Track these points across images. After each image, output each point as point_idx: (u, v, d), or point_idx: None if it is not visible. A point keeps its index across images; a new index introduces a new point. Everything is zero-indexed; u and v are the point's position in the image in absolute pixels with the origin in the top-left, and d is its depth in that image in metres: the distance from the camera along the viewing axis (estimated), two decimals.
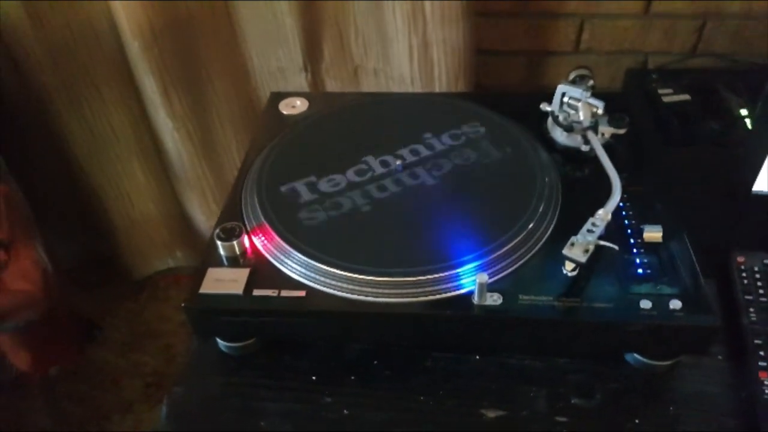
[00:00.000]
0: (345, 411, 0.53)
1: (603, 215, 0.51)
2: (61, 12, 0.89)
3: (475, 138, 0.64)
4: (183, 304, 0.52)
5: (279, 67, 0.97)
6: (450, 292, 0.50)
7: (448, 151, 0.62)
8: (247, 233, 0.55)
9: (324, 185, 0.59)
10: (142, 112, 1.00)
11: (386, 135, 0.64)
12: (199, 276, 0.53)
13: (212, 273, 0.53)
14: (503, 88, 1.08)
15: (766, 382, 0.50)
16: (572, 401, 0.52)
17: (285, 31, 0.92)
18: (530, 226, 0.54)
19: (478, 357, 0.55)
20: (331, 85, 1.00)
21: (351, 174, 0.60)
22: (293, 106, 0.70)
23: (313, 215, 0.56)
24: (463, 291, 0.50)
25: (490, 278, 0.50)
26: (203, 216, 1.10)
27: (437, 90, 0.94)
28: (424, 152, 0.62)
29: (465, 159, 0.61)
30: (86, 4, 0.89)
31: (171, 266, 1.24)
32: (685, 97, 0.89)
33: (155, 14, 0.86)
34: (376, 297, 0.50)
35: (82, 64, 0.94)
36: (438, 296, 0.50)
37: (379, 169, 0.60)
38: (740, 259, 0.60)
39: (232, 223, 0.55)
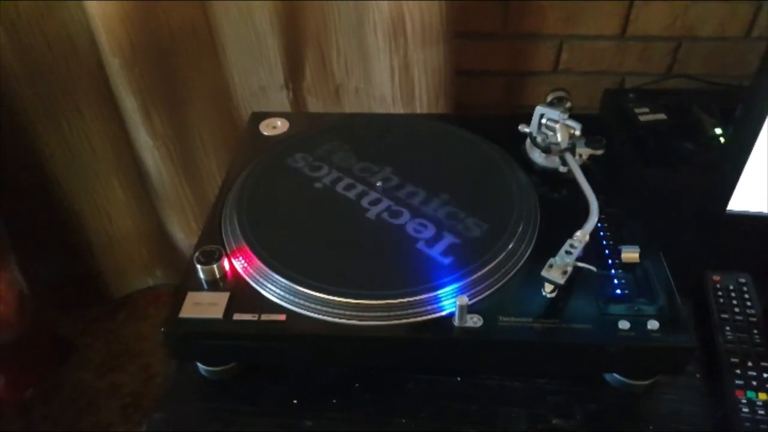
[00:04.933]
0: None
1: (581, 236, 0.52)
2: (39, 27, 0.88)
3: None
4: (162, 329, 0.51)
5: (260, 86, 0.97)
6: (431, 314, 0.50)
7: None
8: (227, 256, 0.54)
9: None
10: (123, 130, 0.99)
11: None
12: (178, 300, 0.52)
13: (192, 297, 0.52)
14: (483, 108, 1.09)
15: (742, 401, 0.51)
16: (553, 422, 0.52)
17: (267, 51, 0.93)
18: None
19: (459, 378, 0.56)
20: (313, 104, 1.00)
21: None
22: (274, 127, 0.70)
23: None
24: (443, 313, 0.50)
25: (470, 300, 0.50)
26: (183, 234, 1.09)
27: (418, 110, 0.94)
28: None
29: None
30: (66, 20, 0.88)
31: (150, 285, 1.22)
32: (662, 116, 0.91)
33: (135, 32, 0.85)
34: (357, 320, 0.50)
35: (61, 80, 0.93)
36: (419, 318, 0.50)
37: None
38: (716, 278, 0.61)
39: (211, 246, 0.54)
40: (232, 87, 0.99)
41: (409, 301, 0.50)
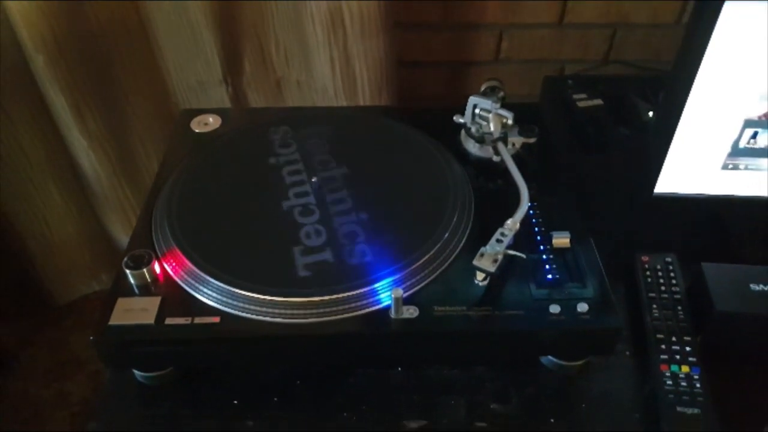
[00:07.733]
0: None
1: (511, 225, 0.53)
2: None
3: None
4: (91, 338, 0.50)
5: (198, 81, 0.95)
6: (367, 308, 0.50)
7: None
8: (158, 259, 0.53)
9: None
10: (55, 131, 0.95)
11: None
12: (107, 306, 0.51)
13: (122, 303, 0.51)
14: (427, 98, 1.10)
15: (666, 374, 0.53)
16: (491, 407, 0.53)
17: (203, 44, 0.90)
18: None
19: (399, 369, 0.56)
20: (254, 98, 0.98)
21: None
22: (206, 124, 0.68)
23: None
24: (380, 306, 0.51)
25: (406, 291, 0.51)
26: (126, 236, 1.05)
27: (361, 102, 0.94)
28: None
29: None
30: None
31: (96, 289, 1.18)
32: (599, 102, 0.93)
33: (60, 27, 0.82)
34: (292, 318, 0.49)
35: None
36: (355, 313, 0.50)
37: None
38: (645, 258, 0.63)
39: (141, 250, 0.53)
40: (170, 83, 0.96)
41: (344, 296, 0.50)
